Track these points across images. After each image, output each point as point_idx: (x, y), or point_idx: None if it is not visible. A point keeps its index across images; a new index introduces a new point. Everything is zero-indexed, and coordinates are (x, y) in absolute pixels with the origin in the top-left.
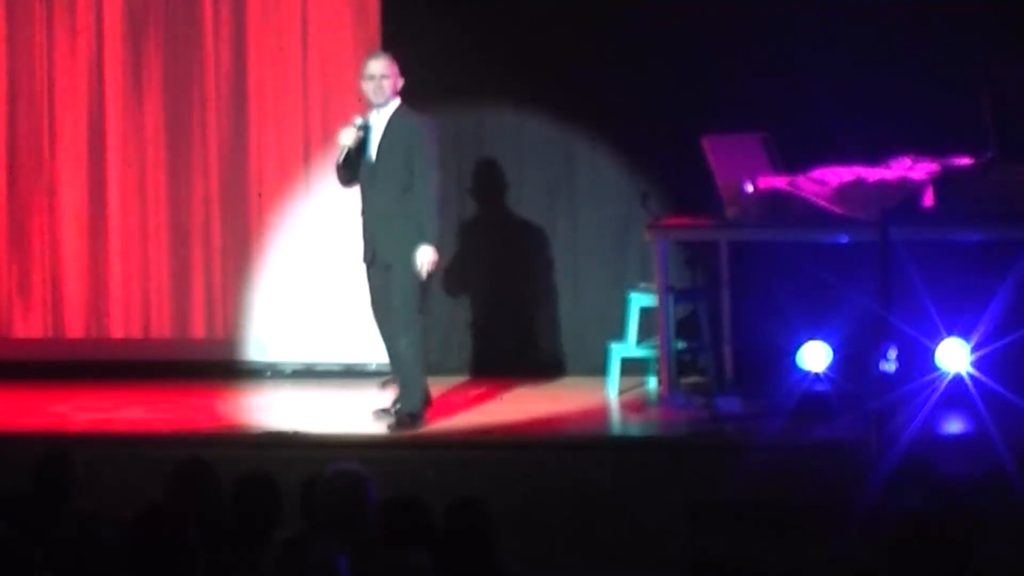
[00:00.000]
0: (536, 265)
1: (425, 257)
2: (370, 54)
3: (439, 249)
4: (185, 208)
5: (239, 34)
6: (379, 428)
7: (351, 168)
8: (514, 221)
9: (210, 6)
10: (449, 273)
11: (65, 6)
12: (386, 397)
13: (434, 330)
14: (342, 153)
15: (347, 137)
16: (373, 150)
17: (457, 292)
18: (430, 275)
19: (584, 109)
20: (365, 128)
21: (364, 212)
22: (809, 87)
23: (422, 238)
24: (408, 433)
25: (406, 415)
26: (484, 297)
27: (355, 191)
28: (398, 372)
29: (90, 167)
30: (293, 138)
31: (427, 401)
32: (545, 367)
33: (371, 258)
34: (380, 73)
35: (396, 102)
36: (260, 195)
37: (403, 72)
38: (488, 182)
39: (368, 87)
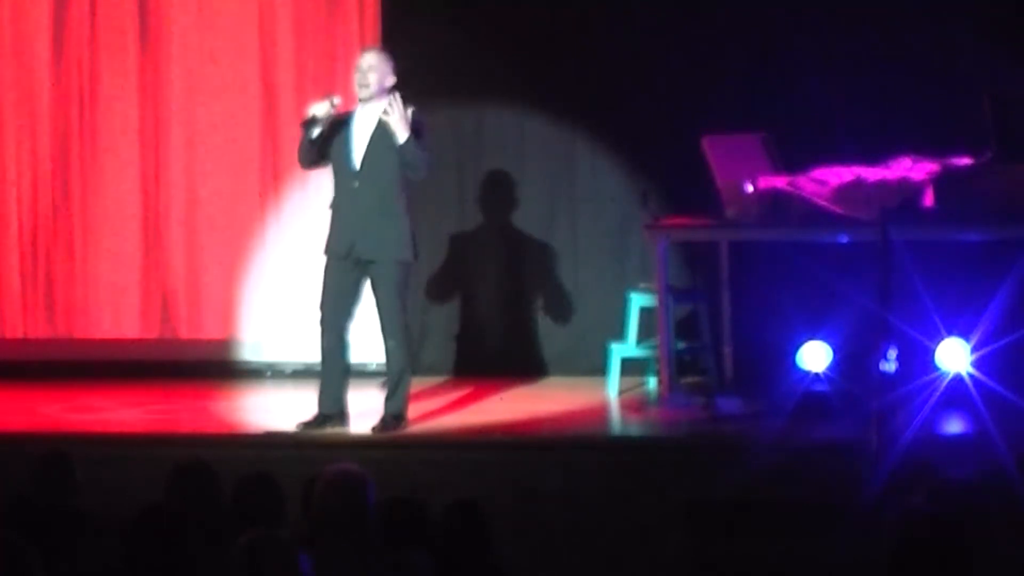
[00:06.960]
0: (536, 265)
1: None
2: (363, 48)
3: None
4: (185, 208)
5: (236, 34)
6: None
7: (313, 146)
8: (514, 221)
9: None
10: (449, 273)
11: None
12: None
13: (436, 330)
14: (307, 123)
15: (318, 108)
16: (359, 148)
17: (457, 292)
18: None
19: (584, 109)
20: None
21: (343, 207)
22: (809, 87)
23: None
24: (402, 434)
25: (391, 417)
26: (484, 297)
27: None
28: (330, 372)
29: (87, 167)
30: (292, 138)
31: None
32: (545, 367)
33: (347, 252)
34: (367, 65)
35: (385, 100)
36: (260, 195)
37: (403, 72)
38: (488, 182)
39: (355, 79)
